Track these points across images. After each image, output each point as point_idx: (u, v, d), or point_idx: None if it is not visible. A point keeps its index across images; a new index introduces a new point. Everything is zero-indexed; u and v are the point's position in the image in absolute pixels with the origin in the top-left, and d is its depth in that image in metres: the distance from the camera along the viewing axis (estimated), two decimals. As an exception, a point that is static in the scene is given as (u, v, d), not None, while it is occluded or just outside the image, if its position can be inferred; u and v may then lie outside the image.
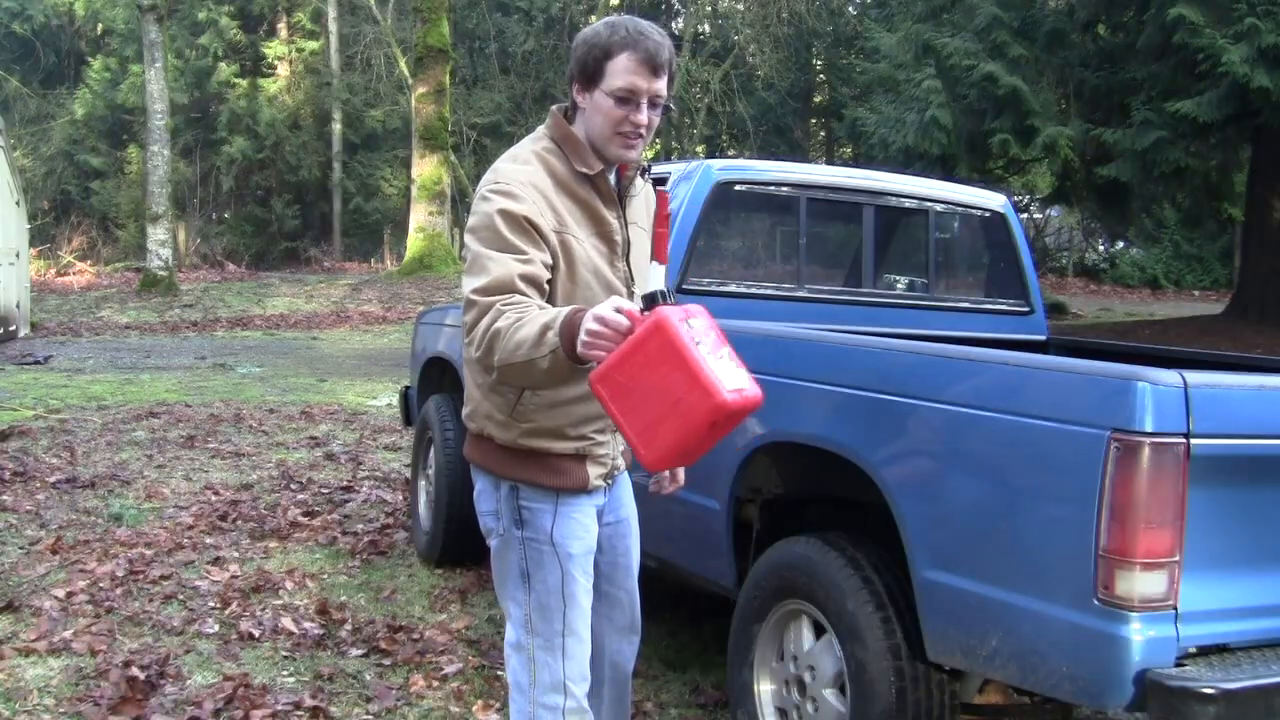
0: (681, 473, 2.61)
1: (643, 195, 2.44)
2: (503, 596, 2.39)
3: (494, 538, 2.37)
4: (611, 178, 2.32)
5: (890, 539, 2.53)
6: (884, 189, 4.07)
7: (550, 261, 2.16)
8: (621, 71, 2.15)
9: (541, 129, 2.31)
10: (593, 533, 2.38)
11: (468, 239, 2.18)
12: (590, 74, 2.18)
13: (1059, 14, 13.26)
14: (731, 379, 1.88)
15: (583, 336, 1.91)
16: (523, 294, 2.08)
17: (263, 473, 6.45)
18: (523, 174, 2.20)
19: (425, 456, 4.93)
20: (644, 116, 2.18)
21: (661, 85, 2.18)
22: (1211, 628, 2.14)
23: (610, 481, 2.41)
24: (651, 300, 1.91)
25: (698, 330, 1.90)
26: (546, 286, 2.15)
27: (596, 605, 2.49)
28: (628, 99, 2.16)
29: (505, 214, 2.13)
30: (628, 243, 2.32)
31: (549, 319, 1.98)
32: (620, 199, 2.32)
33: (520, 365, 2.01)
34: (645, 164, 2.37)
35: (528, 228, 2.12)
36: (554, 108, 2.33)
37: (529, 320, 2.00)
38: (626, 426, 1.93)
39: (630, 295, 2.30)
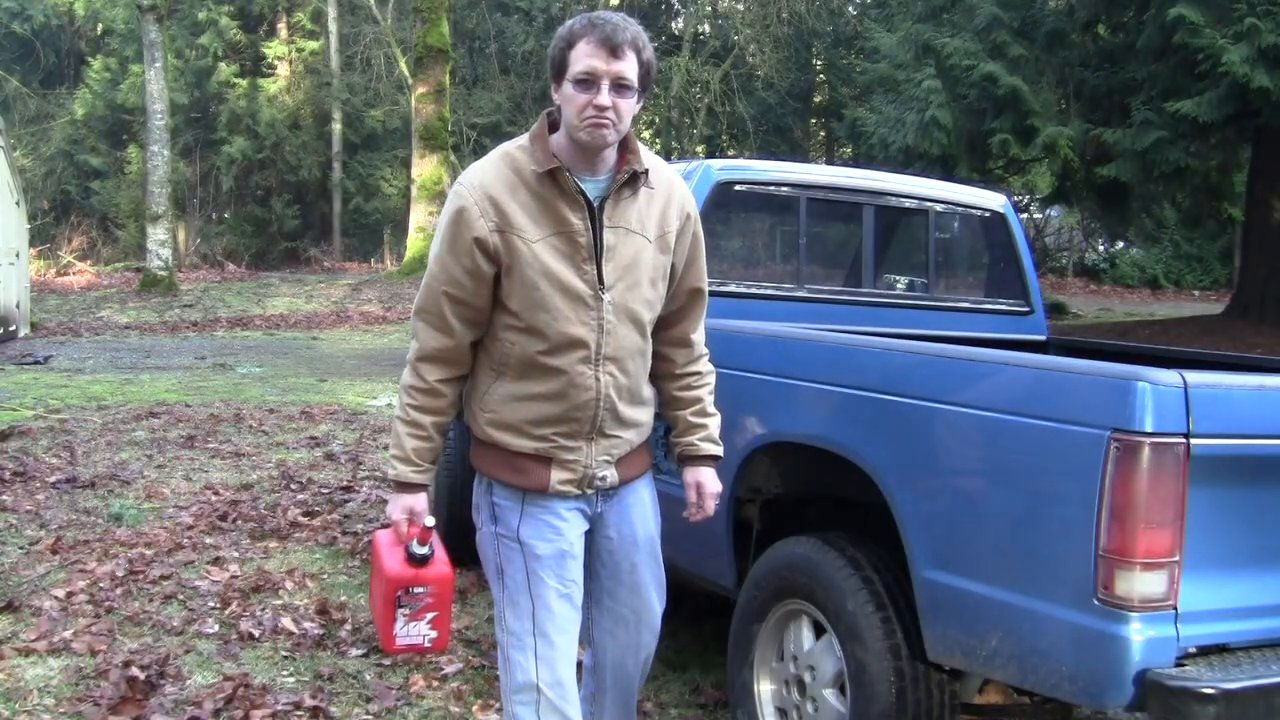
0: (710, 503, 2.53)
1: (652, 202, 2.34)
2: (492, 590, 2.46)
3: (477, 531, 2.44)
4: (603, 180, 2.27)
5: (890, 539, 2.53)
6: (884, 189, 4.07)
7: (480, 269, 2.24)
8: (581, 56, 2.17)
9: (525, 133, 2.33)
10: (567, 537, 2.34)
11: (435, 237, 2.35)
12: (559, 67, 2.21)
13: (1059, 14, 13.26)
14: (410, 637, 2.45)
15: (389, 508, 2.36)
16: (448, 321, 2.29)
17: (263, 473, 6.44)
18: (475, 174, 2.27)
19: (425, 456, 4.93)
20: (605, 99, 2.16)
21: (623, 67, 2.17)
22: (1211, 628, 2.14)
23: (589, 490, 2.35)
24: (409, 555, 2.42)
25: (415, 596, 2.43)
26: (477, 299, 2.28)
27: (598, 618, 2.50)
28: (588, 81, 2.16)
29: (451, 216, 2.26)
30: (598, 245, 2.25)
31: (394, 453, 2.32)
32: (604, 200, 2.26)
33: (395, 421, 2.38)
34: (642, 169, 2.29)
35: (461, 231, 2.23)
36: (546, 110, 2.33)
37: (400, 429, 2.32)
38: (372, 578, 2.58)
39: (598, 300, 2.25)
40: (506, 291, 2.24)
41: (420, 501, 2.34)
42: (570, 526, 2.36)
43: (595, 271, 2.25)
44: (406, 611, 2.41)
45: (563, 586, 2.33)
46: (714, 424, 2.53)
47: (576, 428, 2.30)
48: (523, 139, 2.31)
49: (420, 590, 2.42)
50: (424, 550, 2.41)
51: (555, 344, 2.24)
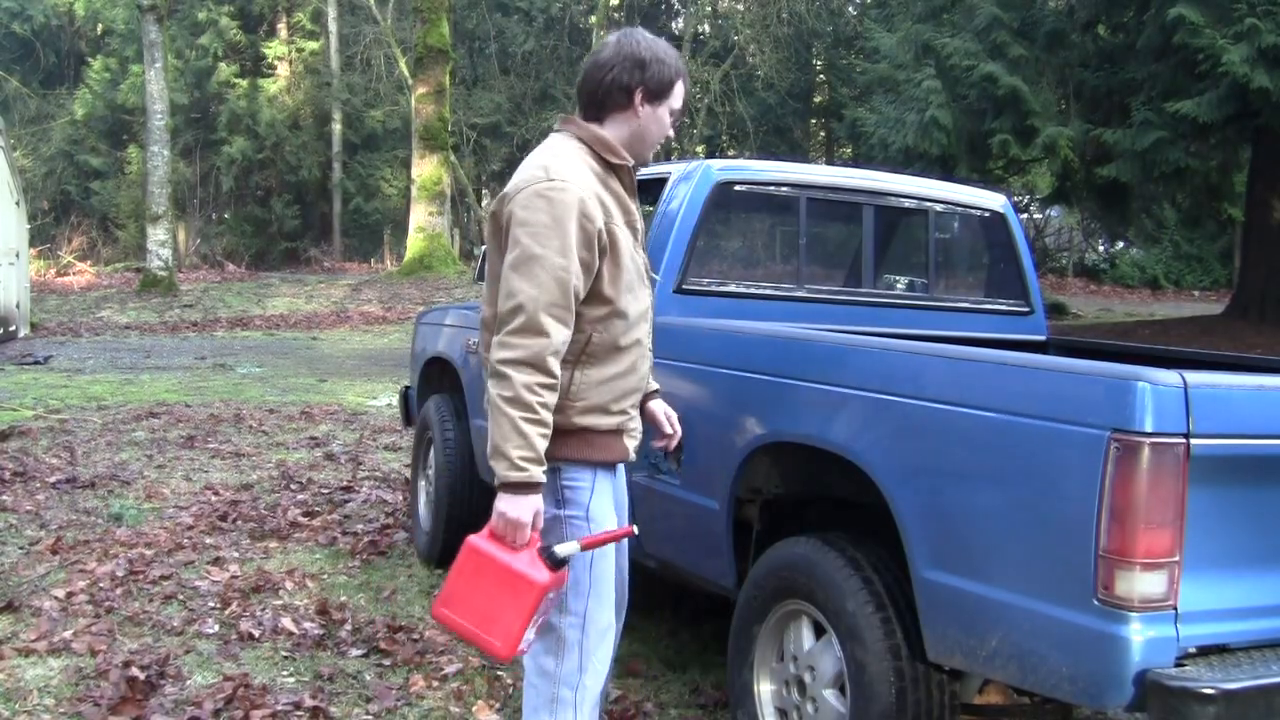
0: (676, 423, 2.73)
1: None
2: None
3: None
4: None
5: (890, 539, 2.53)
6: (884, 189, 4.06)
7: (594, 262, 2.32)
8: (679, 95, 2.48)
9: (558, 136, 2.46)
10: (623, 508, 2.56)
11: (526, 237, 2.27)
12: (661, 90, 2.44)
13: (1059, 14, 13.26)
14: (526, 641, 2.32)
15: (506, 508, 2.24)
16: (572, 314, 2.30)
17: (263, 473, 6.45)
18: (571, 170, 2.33)
19: (425, 456, 4.93)
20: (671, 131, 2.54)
21: None
22: (1211, 628, 2.13)
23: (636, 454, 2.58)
24: (552, 558, 2.28)
25: (549, 603, 2.32)
26: (583, 292, 2.33)
27: None
28: (674, 115, 2.50)
29: (569, 208, 2.28)
30: (644, 231, 2.55)
31: (519, 456, 2.22)
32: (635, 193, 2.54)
33: (491, 422, 2.26)
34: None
35: (585, 225, 2.29)
36: (566, 116, 2.55)
37: (523, 429, 2.22)
38: (451, 581, 2.34)
39: (649, 277, 2.55)
40: (607, 279, 2.35)
41: (541, 502, 2.29)
42: (624, 501, 2.59)
43: (644, 255, 2.54)
44: (539, 619, 2.31)
45: (612, 564, 2.48)
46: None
47: (639, 396, 2.53)
48: (570, 142, 2.42)
49: (552, 595, 2.32)
50: (566, 553, 2.30)
51: (634, 319, 2.44)
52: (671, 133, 2.53)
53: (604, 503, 2.43)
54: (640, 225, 2.52)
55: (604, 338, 2.38)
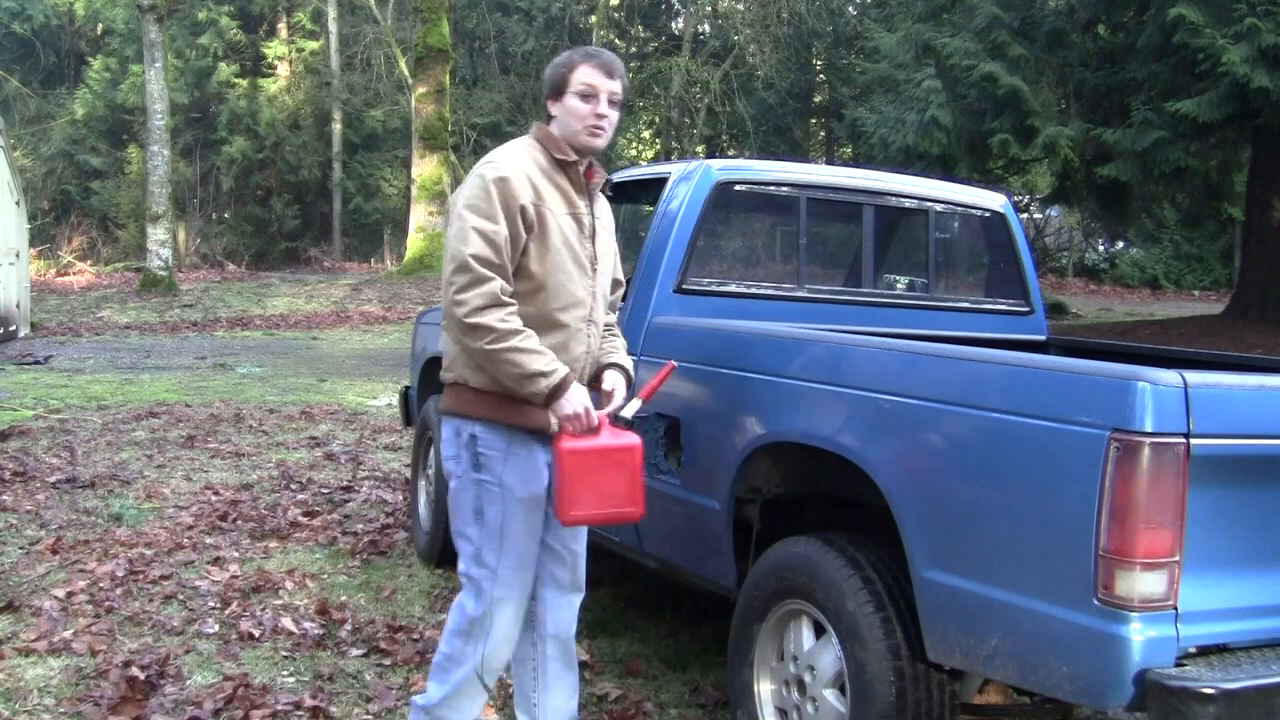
0: (619, 399, 2.81)
1: (608, 207, 2.86)
2: (457, 535, 2.72)
3: (453, 479, 2.69)
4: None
5: (890, 539, 2.53)
6: (884, 189, 4.06)
7: (520, 233, 2.57)
8: (582, 77, 2.65)
9: (526, 135, 2.78)
10: (541, 481, 2.68)
11: (462, 209, 2.56)
12: (559, 85, 2.68)
13: (1059, 14, 13.26)
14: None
15: (564, 409, 2.53)
16: (509, 271, 2.56)
17: (263, 473, 6.45)
18: (509, 157, 2.65)
19: (425, 456, 4.93)
20: (604, 108, 2.65)
21: (617, 86, 2.67)
22: (1211, 628, 2.13)
23: None
24: (626, 423, 2.66)
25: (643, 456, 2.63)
26: (512, 261, 2.58)
27: (541, 556, 2.78)
28: (591, 94, 2.64)
29: (494, 184, 2.56)
30: (594, 228, 2.75)
31: (544, 365, 2.50)
32: (589, 192, 2.75)
33: (501, 370, 2.52)
34: (610, 178, 2.82)
35: (507, 198, 2.55)
36: (537, 122, 2.78)
37: (527, 348, 2.50)
38: (564, 489, 2.56)
39: (593, 272, 2.73)
40: (533, 256, 2.60)
41: (584, 389, 2.60)
42: (543, 474, 2.69)
43: (591, 248, 2.74)
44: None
45: (532, 525, 2.69)
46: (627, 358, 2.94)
47: (570, 375, 2.66)
48: (526, 140, 2.73)
49: (642, 450, 2.63)
50: (634, 412, 2.67)
51: (565, 303, 2.65)
52: (609, 112, 2.64)
53: (519, 473, 2.64)
54: (588, 221, 2.72)
55: (528, 310, 2.59)
